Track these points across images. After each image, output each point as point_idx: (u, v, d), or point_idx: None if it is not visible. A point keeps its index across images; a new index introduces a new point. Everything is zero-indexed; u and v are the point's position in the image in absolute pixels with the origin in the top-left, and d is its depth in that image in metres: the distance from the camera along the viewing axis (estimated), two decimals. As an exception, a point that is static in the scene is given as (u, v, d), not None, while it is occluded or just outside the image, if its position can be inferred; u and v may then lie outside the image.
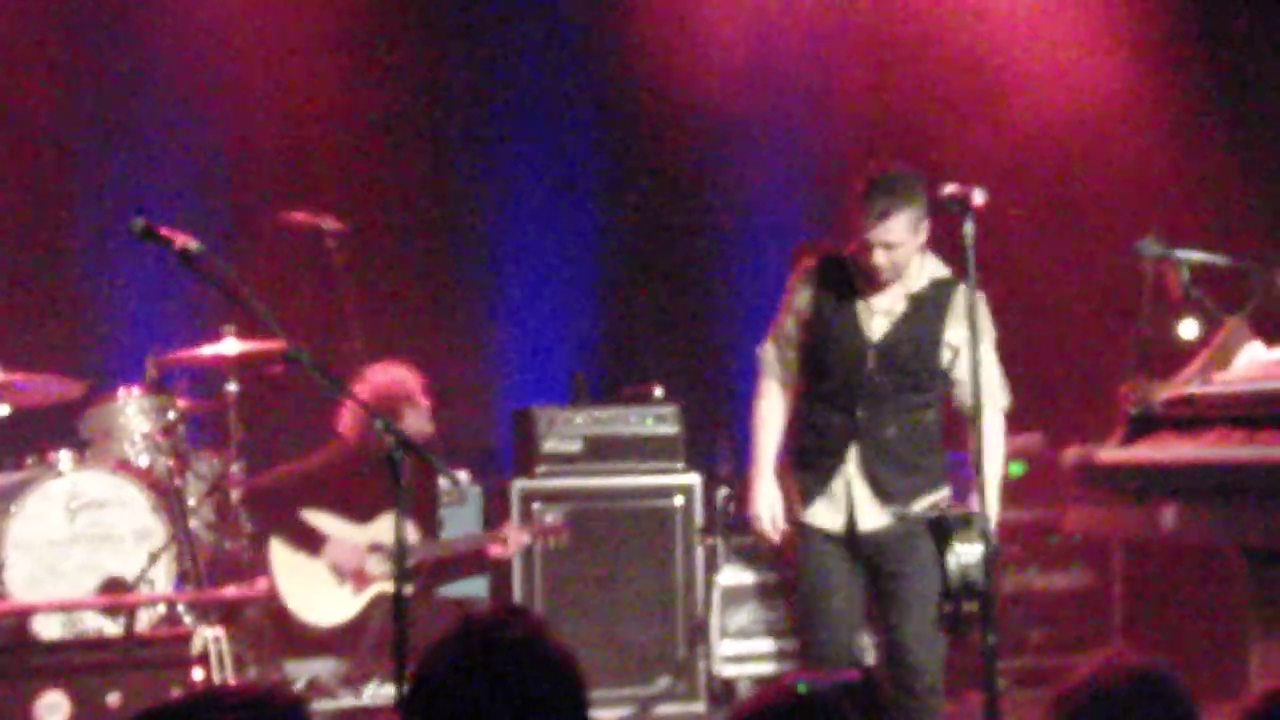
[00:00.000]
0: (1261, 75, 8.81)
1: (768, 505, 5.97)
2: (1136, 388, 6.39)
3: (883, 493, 5.80)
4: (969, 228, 5.38)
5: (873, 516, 5.81)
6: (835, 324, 5.83)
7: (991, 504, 5.74)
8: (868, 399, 5.81)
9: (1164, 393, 6.30)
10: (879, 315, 5.80)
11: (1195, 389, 6.23)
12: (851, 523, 5.84)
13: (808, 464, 5.95)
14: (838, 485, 5.85)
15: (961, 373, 5.72)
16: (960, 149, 8.93)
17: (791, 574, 7.11)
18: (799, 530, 5.94)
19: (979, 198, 5.36)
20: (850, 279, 5.83)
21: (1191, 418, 6.18)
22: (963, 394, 5.75)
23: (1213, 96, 8.96)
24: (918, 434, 5.89)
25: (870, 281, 5.77)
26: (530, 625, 2.62)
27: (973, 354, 5.46)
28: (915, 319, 5.80)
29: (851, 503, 5.83)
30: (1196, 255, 6.34)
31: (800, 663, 6.23)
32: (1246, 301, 6.33)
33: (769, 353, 6.08)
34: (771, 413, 6.07)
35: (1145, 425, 6.36)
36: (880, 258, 5.63)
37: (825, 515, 5.87)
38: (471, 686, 2.51)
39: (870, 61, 9.90)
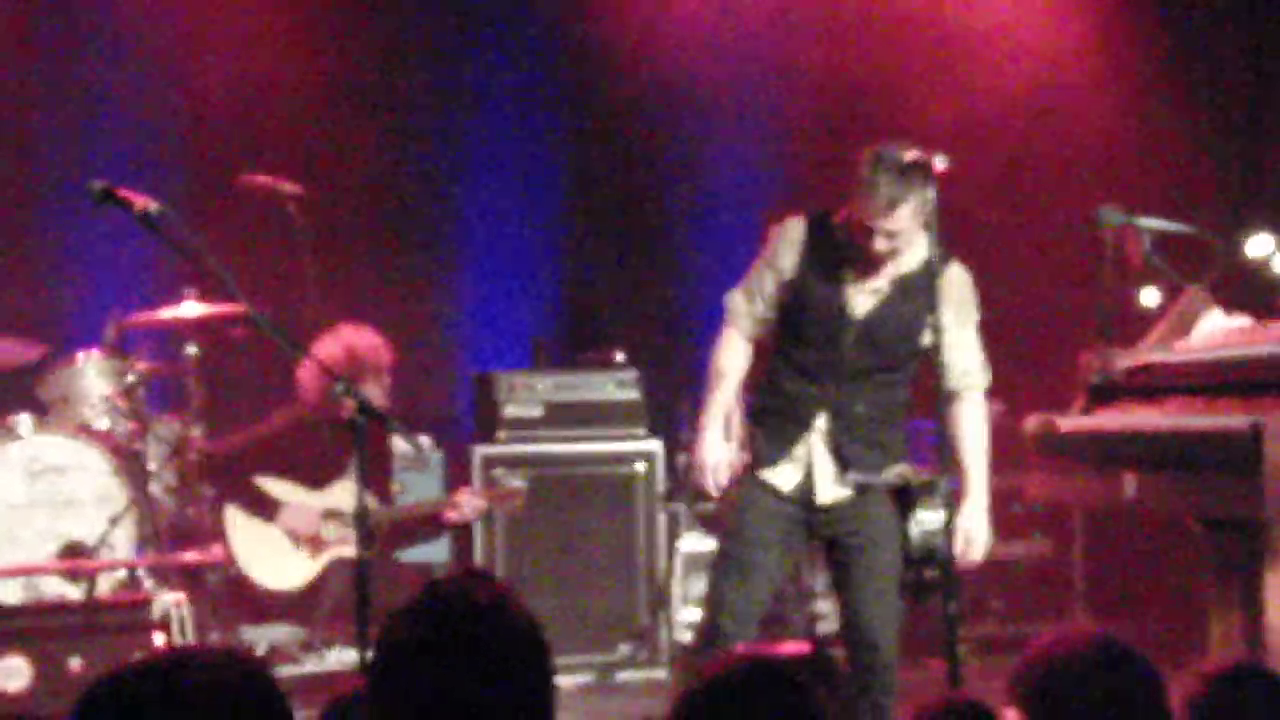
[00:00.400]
0: (1219, 43, 8.84)
1: (714, 457, 5.89)
2: (1097, 356, 6.40)
3: (844, 465, 5.78)
4: (931, 193, 5.43)
5: (832, 488, 5.79)
6: (818, 295, 5.73)
7: (980, 482, 5.78)
8: (842, 373, 5.77)
9: (1124, 361, 6.31)
10: (865, 293, 5.72)
11: (1155, 357, 6.24)
12: (807, 490, 5.82)
13: (770, 426, 5.89)
14: (799, 452, 5.82)
15: (945, 354, 5.70)
16: (920, 116, 8.94)
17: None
18: (750, 483, 5.87)
19: (941, 164, 5.39)
20: (839, 249, 5.75)
21: (1152, 386, 6.20)
22: (944, 374, 5.74)
23: (1172, 66, 9.00)
24: (886, 410, 5.86)
25: (863, 258, 5.69)
26: (496, 591, 2.64)
27: (938, 320, 5.49)
28: (901, 300, 5.72)
29: (811, 472, 5.82)
30: (1157, 223, 6.35)
31: (707, 608, 6.13)
32: (1207, 270, 6.36)
33: (738, 303, 5.93)
34: (731, 364, 5.95)
35: (1106, 393, 6.37)
36: (882, 244, 5.56)
37: (781, 476, 5.82)
38: (439, 653, 2.53)
39: (830, 28, 9.91)
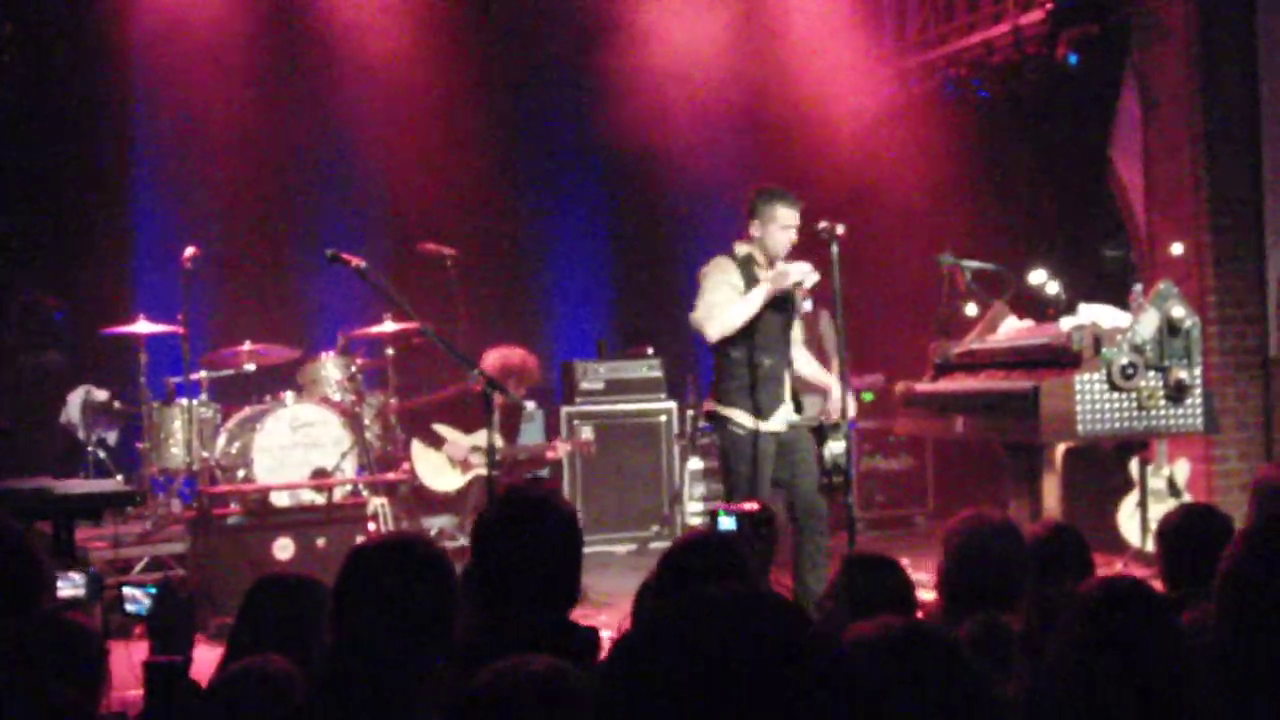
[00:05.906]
0: (1009, 155, 8.59)
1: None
2: (939, 345, 6.42)
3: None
4: (835, 249, 5.24)
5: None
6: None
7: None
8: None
9: (956, 349, 6.32)
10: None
11: (974, 346, 6.25)
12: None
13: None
14: None
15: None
16: (831, 192, 8.76)
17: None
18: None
19: (841, 229, 5.24)
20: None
21: (972, 364, 6.19)
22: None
23: (982, 165, 8.76)
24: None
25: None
26: (546, 491, 2.63)
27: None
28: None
29: None
30: (974, 263, 6.35)
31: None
32: (1005, 292, 6.37)
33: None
34: None
35: (944, 369, 6.37)
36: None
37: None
38: (503, 526, 2.54)
39: (774, 136, 9.75)
